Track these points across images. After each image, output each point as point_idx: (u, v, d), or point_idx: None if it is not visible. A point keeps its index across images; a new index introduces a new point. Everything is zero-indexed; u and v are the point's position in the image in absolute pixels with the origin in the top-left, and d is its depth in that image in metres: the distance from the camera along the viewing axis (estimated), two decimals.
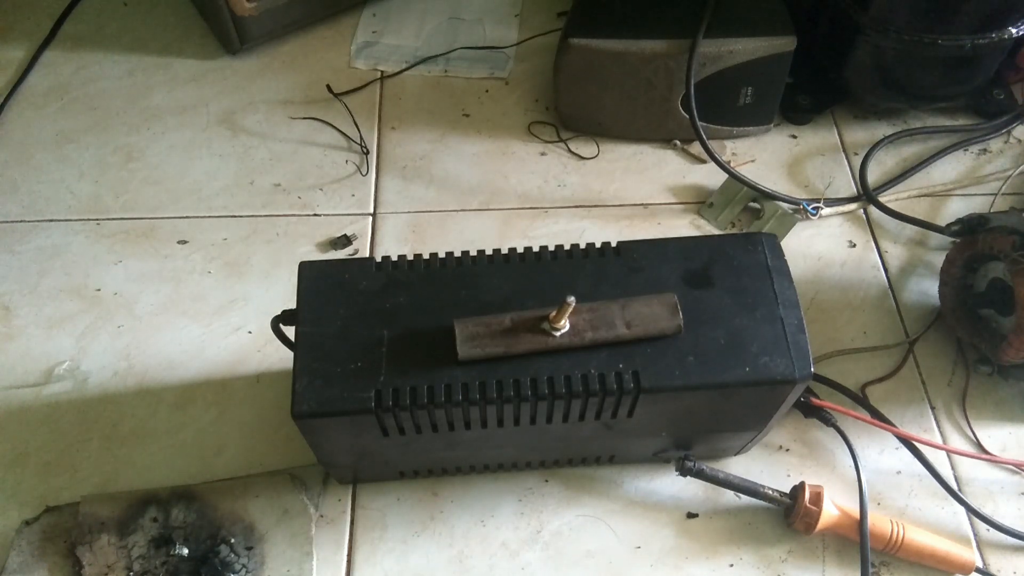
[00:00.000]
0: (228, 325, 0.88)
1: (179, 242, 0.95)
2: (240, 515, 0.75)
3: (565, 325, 0.61)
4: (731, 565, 0.75)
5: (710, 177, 1.00)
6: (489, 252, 0.67)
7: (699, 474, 0.75)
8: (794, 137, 1.05)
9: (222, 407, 0.83)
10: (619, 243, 0.67)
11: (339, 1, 1.15)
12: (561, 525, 0.77)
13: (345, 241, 0.94)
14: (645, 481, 0.79)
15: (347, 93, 1.08)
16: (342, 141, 1.04)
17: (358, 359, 0.61)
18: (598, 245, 0.68)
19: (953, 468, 0.81)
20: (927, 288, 0.92)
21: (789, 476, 0.80)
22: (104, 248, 0.94)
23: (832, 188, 1.00)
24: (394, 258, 0.67)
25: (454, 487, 0.79)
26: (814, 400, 0.78)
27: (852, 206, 0.99)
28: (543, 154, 1.03)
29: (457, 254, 0.67)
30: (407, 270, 0.66)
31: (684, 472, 0.75)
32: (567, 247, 0.68)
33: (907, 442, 0.79)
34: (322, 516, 0.77)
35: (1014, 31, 0.92)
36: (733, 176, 0.97)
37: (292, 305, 0.65)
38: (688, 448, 0.76)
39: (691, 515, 0.78)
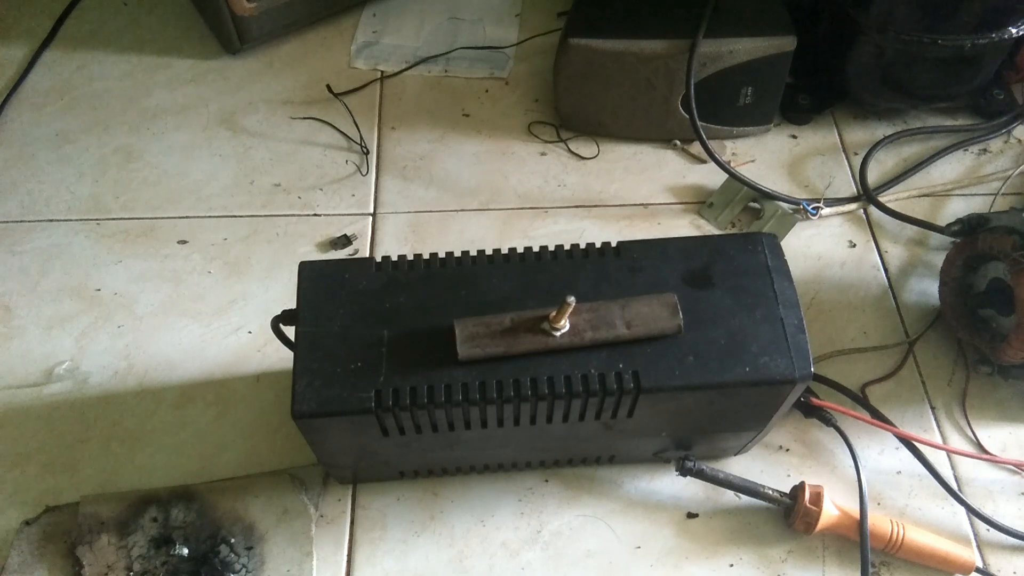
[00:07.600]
0: (228, 325, 0.88)
1: (179, 242, 0.95)
2: (240, 515, 0.75)
3: (565, 325, 0.61)
4: (731, 565, 0.75)
5: (710, 177, 1.00)
6: (489, 252, 0.67)
7: (699, 474, 0.75)
8: (794, 137, 1.05)
9: (222, 407, 0.83)
10: (619, 243, 0.67)
11: (339, 1, 1.15)
12: (561, 525, 0.77)
13: (345, 241, 0.94)
14: (645, 481, 0.79)
15: (347, 93, 1.08)
16: (342, 141, 1.04)
17: (358, 359, 0.61)
18: (598, 245, 0.68)
19: (953, 468, 0.81)
20: (927, 288, 0.92)
21: (789, 476, 0.80)
22: (104, 248, 0.94)
23: (832, 188, 1.00)
24: (394, 258, 0.67)
25: (454, 487, 0.79)
26: (814, 400, 0.78)
27: (852, 206, 0.99)
28: (543, 154, 1.03)
29: (457, 254, 0.67)
30: (407, 270, 0.66)
31: (684, 472, 0.75)
32: (567, 247, 0.68)
33: (907, 442, 0.79)
34: (322, 516, 0.77)
35: (1014, 31, 0.93)
36: (733, 176, 0.97)
37: (292, 305, 0.65)
38: (688, 448, 0.76)
39: (691, 515, 0.78)
